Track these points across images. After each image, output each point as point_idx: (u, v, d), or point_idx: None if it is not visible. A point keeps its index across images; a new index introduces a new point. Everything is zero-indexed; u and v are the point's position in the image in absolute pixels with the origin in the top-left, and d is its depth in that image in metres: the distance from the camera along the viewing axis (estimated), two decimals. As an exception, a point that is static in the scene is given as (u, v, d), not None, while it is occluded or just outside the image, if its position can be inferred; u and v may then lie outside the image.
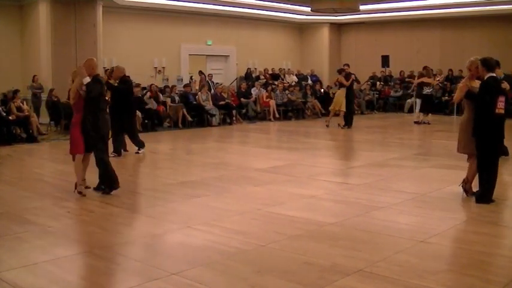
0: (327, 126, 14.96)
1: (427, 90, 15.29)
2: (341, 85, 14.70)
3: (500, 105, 6.12)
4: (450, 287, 3.88)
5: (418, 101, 15.78)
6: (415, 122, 15.53)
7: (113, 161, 9.76)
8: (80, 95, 6.70)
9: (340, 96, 14.62)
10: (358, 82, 17.86)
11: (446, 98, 18.26)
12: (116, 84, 10.10)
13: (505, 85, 6.23)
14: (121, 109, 9.90)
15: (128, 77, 10.62)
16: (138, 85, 15.66)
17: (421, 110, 15.54)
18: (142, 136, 13.35)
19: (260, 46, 21.60)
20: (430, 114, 15.59)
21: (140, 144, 10.43)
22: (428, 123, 15.29)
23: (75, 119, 6.77)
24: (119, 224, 5.75)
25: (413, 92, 19.05)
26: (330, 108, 15.04)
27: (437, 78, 17.30)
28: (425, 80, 15.35)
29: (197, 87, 17.44)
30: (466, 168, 8.16)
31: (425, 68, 15.98)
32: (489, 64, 6.19)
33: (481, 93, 6.18)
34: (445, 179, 7.69)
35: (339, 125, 14.77)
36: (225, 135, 14.40)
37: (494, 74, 6.28)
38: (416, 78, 16.52)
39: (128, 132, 10.42)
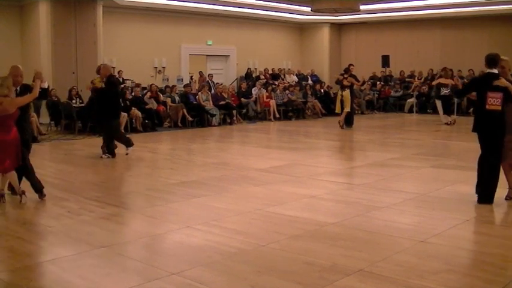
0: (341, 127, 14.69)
1: (444, 91, 15.25)
2: (346, 86, 14.61)
3: (491, 101, 5.95)
4: (450, 287, 3.88)
5: (438, 102, 15.66)
6: (446, 124, 15.24)
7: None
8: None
9: (348, 96, 14.59)
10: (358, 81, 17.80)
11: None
12: (102, 85, 9.75)
13: (498, 82, 5.99)
14: (105, 111, 9.71)
15: (113, 76, 10.30)
16: (138, 85, 15.74)
17: (445, 112, 15.42)
18: (142, 136, 13.42)
19: (260, 46, 21.61)
20: (451, 114, 15.40)
21: (109, 151, 9.93)
22: (449, 124, 15.08)
23: (13, 131, 6.26)
24: (119, 224, 5.75)
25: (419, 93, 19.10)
26: (344, 110, 14.64)
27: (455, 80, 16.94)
28: (442, 80, 15.30)
29: (197, 87, 17.45)
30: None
31: (444, 69, 15.96)
32: (487, 60, 6.11)
33: (463, 88, 6.13)
34: (445, 179, 7.69)
35: (339, 123, 14.71)
36: (225, 135, 14.40)
37: (495, 71, 6.07)
38: (436, 79, 16.55)
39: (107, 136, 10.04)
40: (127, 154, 10.07)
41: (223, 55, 20.74)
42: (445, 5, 19.23)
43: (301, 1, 19.45)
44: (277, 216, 5.84)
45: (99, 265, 4.40)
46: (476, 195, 6.27)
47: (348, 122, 14.87)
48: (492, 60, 6.06)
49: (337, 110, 15.01)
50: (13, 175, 6.36)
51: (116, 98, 10.04)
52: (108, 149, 9.89)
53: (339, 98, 14.79)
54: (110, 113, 9.76)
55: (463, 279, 4.01)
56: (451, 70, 16.27)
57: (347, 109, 14.64)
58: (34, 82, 6.63)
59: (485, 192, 6.16)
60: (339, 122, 14.72)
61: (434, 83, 15.96)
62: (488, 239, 5.07)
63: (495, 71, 6.06)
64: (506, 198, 6.29)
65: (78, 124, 13.81)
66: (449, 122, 15.21)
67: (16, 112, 6.32)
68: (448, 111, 15.39)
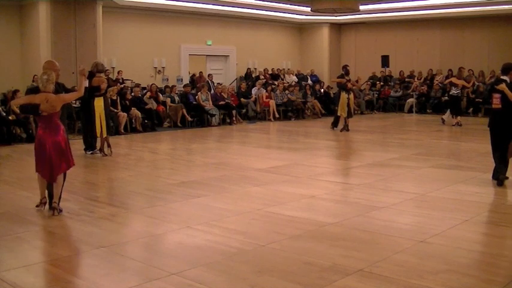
0: (347, 130, 14.31)
1: (453, 91, 15.13)
2: (350, 88, 14.43)
3: (493, 101, 7.20)
4: (450, 287, 3.88)
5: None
6: (453, 124, 14.95)
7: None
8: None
9: (346, 99, 14.36)
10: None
11: (446, 98, 18.21)
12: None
13: (498, 86, 7.10)
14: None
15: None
16: (138, 85, 15.74)
17: (451, 112, 15.28)
18: (142, 136, 13.43)
19: (260, 46, 21.60)
20: (458, 116, 15.04)
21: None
22: (459, 125, 14.75)
23: (61, 129, 5.94)
24: (119, 224, 5.75)
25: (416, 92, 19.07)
26: (342, 113, 14.29)
27: (470, 84, 16.14)
28: (454, 80, 15.14)
29: (198, 85, 17.48)
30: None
31: (459, 69, 15.82)
32: (502, 68, 7.32)
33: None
34: (445, 179, 7.70)
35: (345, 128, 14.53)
36: (225, 135, 14.40)
37: (506, 78, 7.12)
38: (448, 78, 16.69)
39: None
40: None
41: (222, 55, 20.73)
42: (445, 5, 19.21)
43: (301, 1, 19.44)
44: (277, 216, 5.84)
45: (98, 265, 4.40)
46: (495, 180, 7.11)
47: (336, 123, 14.64)
48: (504, 69, 7.24)
49: (339, 113, 14.54)
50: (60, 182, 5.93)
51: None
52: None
53: (345, 101, 14.15)
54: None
55: (463, 279, 4.01)
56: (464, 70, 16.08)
57: (344, 114, 14.31)
58: (79, 78, 6.12)
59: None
60: (345, 127, 14.33)
61: (447, 81, 15.98)
62: (488, 239, 5.08)
63: (506, 78, 7.14)
64: None
65: (78, 124, 13.79)
66: (455, 124, 14.89)
67: (60, 110, 5.90)
68: (453, 112, 15.20)
